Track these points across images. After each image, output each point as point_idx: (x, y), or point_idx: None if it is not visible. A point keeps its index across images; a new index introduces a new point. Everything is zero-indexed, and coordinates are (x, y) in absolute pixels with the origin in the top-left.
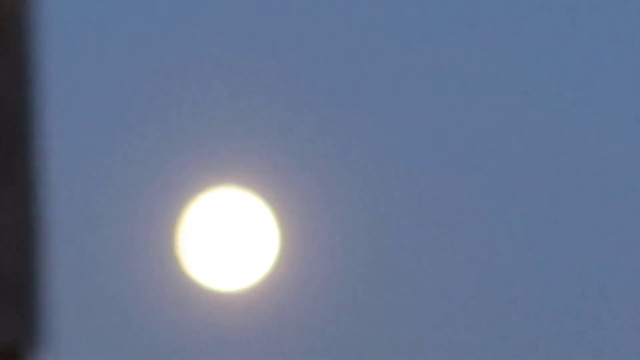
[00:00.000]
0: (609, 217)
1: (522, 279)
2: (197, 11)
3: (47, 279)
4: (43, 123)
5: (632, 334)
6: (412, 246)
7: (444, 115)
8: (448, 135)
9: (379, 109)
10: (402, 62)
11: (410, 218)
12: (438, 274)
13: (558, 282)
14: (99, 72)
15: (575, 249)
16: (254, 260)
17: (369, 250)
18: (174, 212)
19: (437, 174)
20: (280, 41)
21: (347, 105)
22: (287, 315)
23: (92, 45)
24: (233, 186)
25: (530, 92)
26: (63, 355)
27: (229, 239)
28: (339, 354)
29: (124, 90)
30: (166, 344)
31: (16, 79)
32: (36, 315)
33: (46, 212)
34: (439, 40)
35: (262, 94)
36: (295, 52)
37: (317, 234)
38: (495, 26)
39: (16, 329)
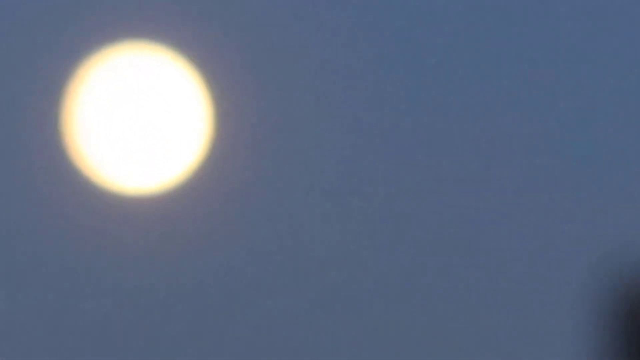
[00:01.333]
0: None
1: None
2: None
3: None
4: None
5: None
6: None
7: None
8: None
9: None
10: None
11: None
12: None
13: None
14: None
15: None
16: (174, 151)
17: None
18: (62, 78)
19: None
20: None
21: None
22: (216, 226)
23: None
24: (144, 39)
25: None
26: None
27: (138, 118)
28: (271, 276)
29: None
30: (59, 260)
31: None
32: None
33: None
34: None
35: None
36: None
37: (261, 111)
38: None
39: None
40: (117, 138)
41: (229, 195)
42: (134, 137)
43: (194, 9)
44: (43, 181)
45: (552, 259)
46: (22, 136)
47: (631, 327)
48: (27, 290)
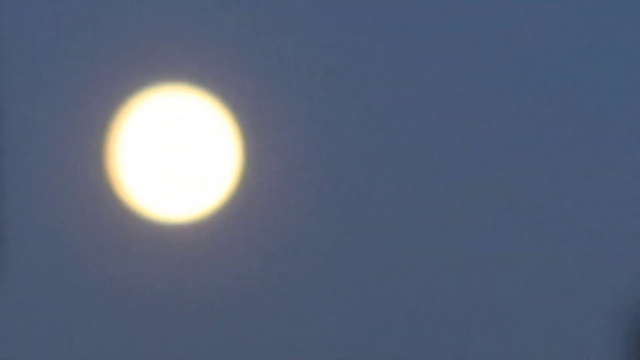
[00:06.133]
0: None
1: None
2: None
3: None
4: None
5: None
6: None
7: None
8: None
9: None
10: None
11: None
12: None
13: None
14: None
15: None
16: (207, 182)
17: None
18: (103, 119)
19: None
20: None
21: None
22: (247, 253)
23: None
24: (179, 83)
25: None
26: None
27: (174, 153)
28: (306, 294)
29: None
30: (96, 288)
31: None
32: None
33: None
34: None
35: None
36: None
37: (293, 145)
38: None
39: None
40: (157, 171)
41: (260, 224)
42: (172, 171)
43: (228, 53)
44: (88, 210)
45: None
46: (68, 169)
47: None
48: (75, 311)
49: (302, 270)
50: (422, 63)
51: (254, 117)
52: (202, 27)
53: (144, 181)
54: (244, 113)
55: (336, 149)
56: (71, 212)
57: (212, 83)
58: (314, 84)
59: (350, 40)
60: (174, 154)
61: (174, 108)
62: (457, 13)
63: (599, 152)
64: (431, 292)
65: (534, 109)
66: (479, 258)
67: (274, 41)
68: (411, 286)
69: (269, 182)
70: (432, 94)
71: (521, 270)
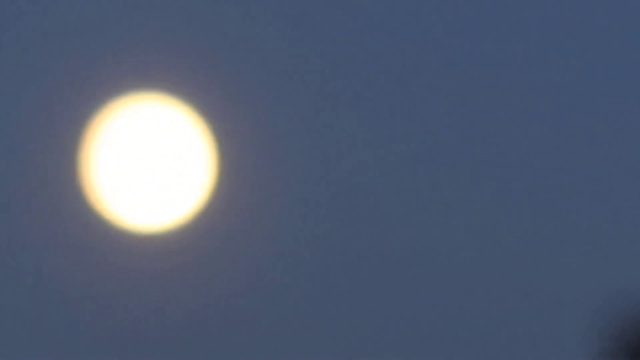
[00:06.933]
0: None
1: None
2: None
3: None
4: None
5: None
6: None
7: None
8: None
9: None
10: None
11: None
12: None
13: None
14: None
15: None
16: (181, 192)
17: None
18: (76, 127)
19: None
20: None
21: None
22: (222, 264)
23: None
24: (154, 92)
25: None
26: None
27: (148, 162)
28: (280, 308)
29: None
30: (68, 297)
31: None
32: None
33: None
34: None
35: None
36: None
37: (265, 158)
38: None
39: None
40: (130, 181)
41: (232, 232)
42: (146, 180)
43: (199, 61)
44: (62, 220)
45: (558, 301)
46: (43, 180)
47: None
48: (50, 316)
49: (282, 278)
50: (414, 63)
51: (230, 124)
52: (177, 34)
53: (119, 188)
54: (220, 120)
55: (314, 157)
56: (43, 218)
57: (188, 90)
58: (293, 90)
59: (329, 42)
60: (150, 161)
61: (148, 115)
62: (455, 13)
63: (589, 157)
64: (425, 291)
65: (533, 108)
66: (471, 257)
67: (251, 46)
68: (401, 286)
69: (246, 190)
70: (429, 94)
71: (514, 271)
